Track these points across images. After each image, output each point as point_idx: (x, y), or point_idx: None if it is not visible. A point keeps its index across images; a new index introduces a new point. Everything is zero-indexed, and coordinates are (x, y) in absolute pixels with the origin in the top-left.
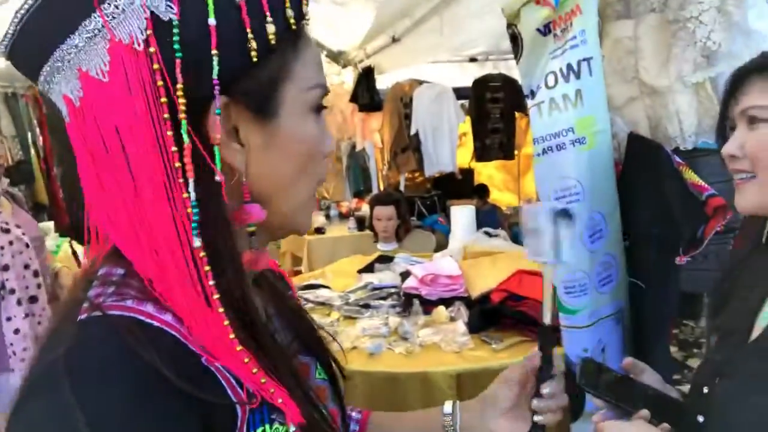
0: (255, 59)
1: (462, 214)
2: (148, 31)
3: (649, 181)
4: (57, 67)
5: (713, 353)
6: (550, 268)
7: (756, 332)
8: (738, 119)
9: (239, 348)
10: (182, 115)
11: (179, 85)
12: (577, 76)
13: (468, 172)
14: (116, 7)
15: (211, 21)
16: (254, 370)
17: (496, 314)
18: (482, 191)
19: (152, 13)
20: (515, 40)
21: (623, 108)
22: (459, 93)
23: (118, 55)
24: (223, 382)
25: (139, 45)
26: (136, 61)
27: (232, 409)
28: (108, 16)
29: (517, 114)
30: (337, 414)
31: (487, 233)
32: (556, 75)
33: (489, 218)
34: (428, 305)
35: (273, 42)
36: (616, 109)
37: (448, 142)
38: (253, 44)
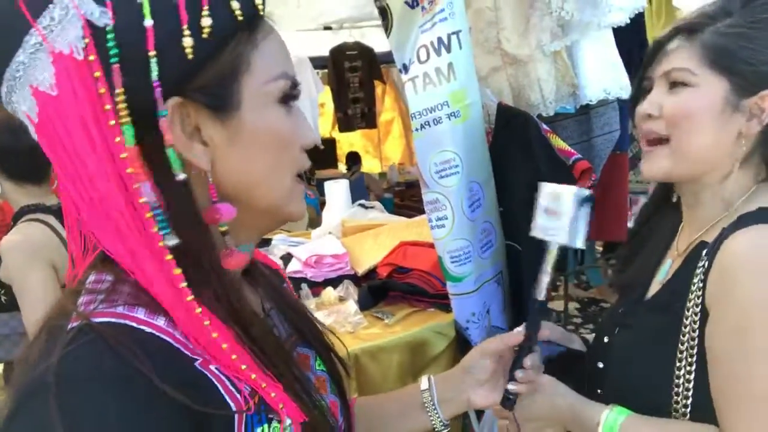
0: (190, 56)
1: (337, 189)
2: (86, 40)
3: (519, 149)
4: (11, 86)
5: (615, 306)
6: (555, 250)
7: (654, 287)
8: (658, 80)
9: (225, 346)
10: (125, 120)
11: (118, 90)
12: (448, 49)
13: (330, 142)
14: (52, 19)
15: (148, 22)
16: (253, 376)
17: (384, 289)
18: (354, 160)
19: (88, 20)
20: (384, 13)
21: (487, 78)
22: (315, 62)
23: (62, 66)
24: (218, 385)
25: (79, 54)
26: (79, 71)
27: (228, 411)
28: (46, 29)
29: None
30: (337, 405)
31: (362, 206)
32: (428, 49)
33: (358, 187)
34: (315, 287)
35: (207, 36)
36: (481, 79)
37: (310, 114)
38: (188, 41)
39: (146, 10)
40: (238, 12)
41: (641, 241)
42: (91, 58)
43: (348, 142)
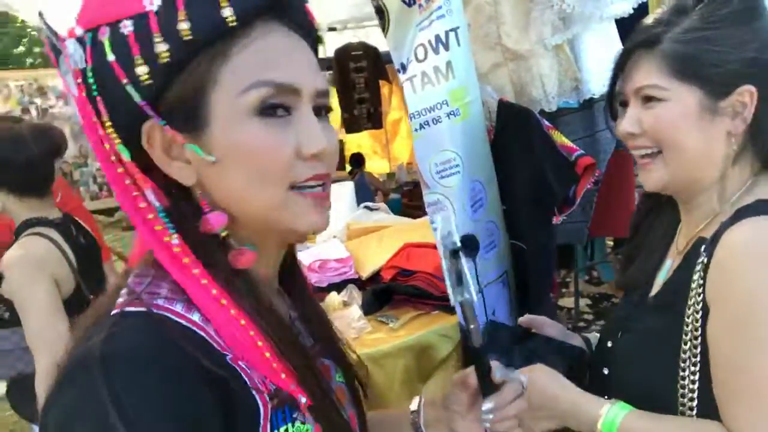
0: (148, 82)
1: (343, 192)
2: (78, 80)
3: (521, 147)
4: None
5: (617, 309)
6: (466, 306)
7: (655, 288)
8: (631, 96)
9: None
10: (117, 141)
11: (105, 118)
12: (446, 47)
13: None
14: (65, 70)
15: (110, 57)
16: (274, 364)
17: (388, 292)
18: (358, 161)
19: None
20: (381, 12)
21: (488, 74)
22: (320, 64)
23: (77, 103)
24: (247, 381)
25: (75, 93)
26: (81, 106)
27: (255, 406)
28: (64, 74)
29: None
30: (355, 417)
31: (367, 208)
32: (426, 47)
33: (360, 188)
34: (320, 292)
35: (165, 60)
36: (482, 76)
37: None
38: (142, 69)
39: (107, 48)
40: (187, 34)
41: (642, 238)
42: (84, 94)
43: (356, 143)
